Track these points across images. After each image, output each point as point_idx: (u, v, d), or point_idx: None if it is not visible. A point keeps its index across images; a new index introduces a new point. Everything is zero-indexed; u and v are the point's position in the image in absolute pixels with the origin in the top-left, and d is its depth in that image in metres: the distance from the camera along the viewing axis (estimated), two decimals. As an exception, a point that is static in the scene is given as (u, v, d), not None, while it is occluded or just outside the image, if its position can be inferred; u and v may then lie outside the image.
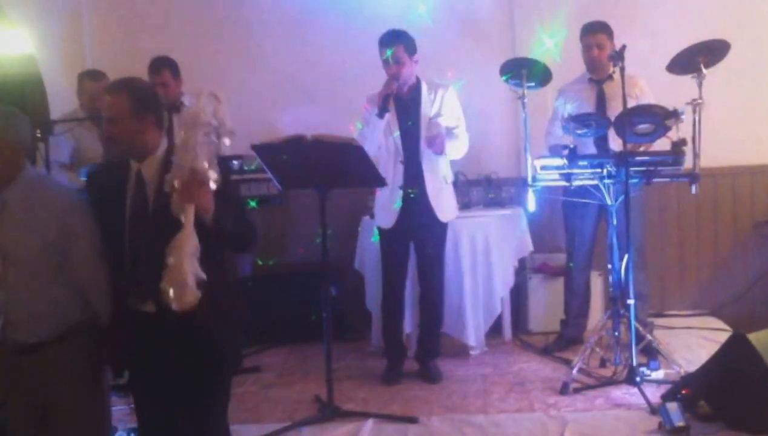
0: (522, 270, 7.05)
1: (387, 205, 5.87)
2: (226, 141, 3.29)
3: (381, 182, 5.50)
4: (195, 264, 3.16)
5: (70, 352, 3.57)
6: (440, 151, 5.78)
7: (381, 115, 5.71)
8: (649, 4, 7.14)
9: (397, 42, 5.73)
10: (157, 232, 3.34)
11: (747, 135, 7.12)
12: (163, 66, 6.23)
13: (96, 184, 3.74)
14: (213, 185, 3.22)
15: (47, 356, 3.54)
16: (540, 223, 7.01)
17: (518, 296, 7.10)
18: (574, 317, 6.56)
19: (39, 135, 4.99)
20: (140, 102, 3.50)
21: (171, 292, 3.16)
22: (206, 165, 3.18)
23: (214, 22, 7.54)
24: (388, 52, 5.70)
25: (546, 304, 7.00)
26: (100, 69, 6.40)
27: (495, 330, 6.81)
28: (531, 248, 6.94)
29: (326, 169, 5.10)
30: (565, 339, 6.54)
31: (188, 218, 3.17)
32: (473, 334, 6.48)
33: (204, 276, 3.18)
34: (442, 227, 5.97)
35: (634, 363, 5.29)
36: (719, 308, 7.24)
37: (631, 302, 5.40)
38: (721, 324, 6.90)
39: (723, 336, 5.99)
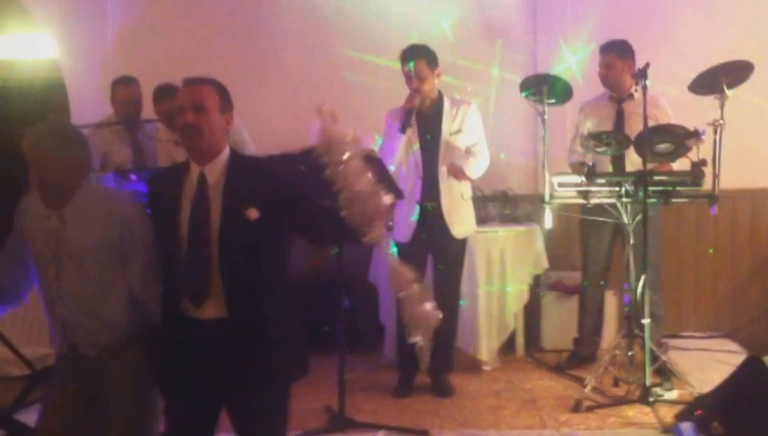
0: (536, 287, 7.03)
1: (404, 219, 5.86)
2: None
3: (398, 194, 5.50)
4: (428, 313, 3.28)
5: (124, 362, 3.56)
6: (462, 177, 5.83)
7: (403, 130, 5.71)
8: (674, 23, 7.14)
9: (418, 56, 5.74)
10: (222, 235, 3.34)
11: (765, 157, 7.11)
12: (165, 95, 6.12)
13: (154, 188, 3.66)
14: (389, 200, 3.22)
15: (104, 366, 3.55)
16: (556, 240, 7.01)
17: (532, 312, 7.07)
18: (587, 335, 6.55)
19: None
20: (226, 98, 3.49)
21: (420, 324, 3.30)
22: (370, 183, 3.20)
23: (238, 29, 7.59)
24: (410, 66, 5.71)
25: (560, 321, 6.99)
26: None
27: (508, 346, 6.81)
28: (546, 264, 6.93)
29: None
30: (578, 357, 6.53)
31: (381, 245, 3.26)
32: (486, 349, 6.49)
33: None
34: (460, 243, 5.96)
35: (648, 383, 5.28)
36: (734, 330, 7.21)
37: (646, 321, 5.38)
38: (735, 347, 6.87)
39: (737, 359, 5.96)
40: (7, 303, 3.76)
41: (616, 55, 6.10)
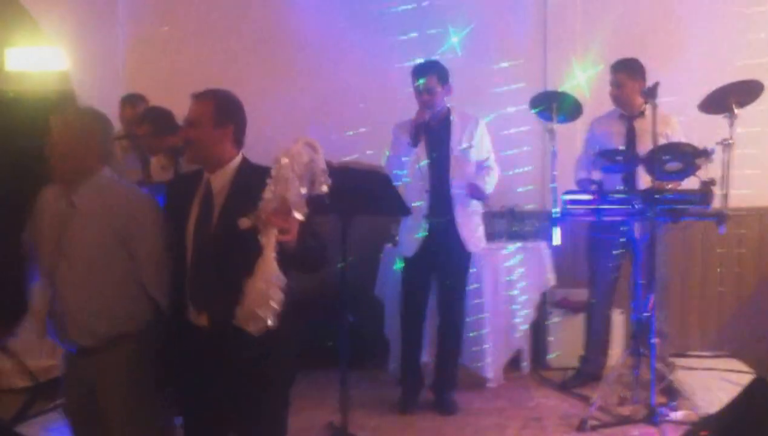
0: (543, 304, 7.01)
1: (411, 234, 5.86)
2: (324, 188, 3.28)
3: (406, 211, 5.51)
4: (278, 293, 3.15)
5: (125, 355, 3.61)
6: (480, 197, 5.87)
7: (414, 144, 5.72)
8: (684, 42, 7.12)
9: (429, 72, 5.75)
10: (218, 244, 3.41)
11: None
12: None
13: (171, 193, 3.79)
14: (299, 217, 3.21)
15: (103, 358, 3.59)
16: (562, 257, 6.96)
17: (538, 329, 7.05)
18: (593, 354, 6.53)
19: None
20: (223, 112, 3.56)
21: (247, 315, 3.15)
22: (295, 199, 3.17)
23: (248, 39, 7.62)
24: (420, 81, 5.73)
25: (566, 339, 6.96)
26: (137, 90, 6.42)
27: (513, 363, 6.80)
28: (553, 282, 6.90)
29: (351, 195, 5.04)
30: (584, 375, 6.50)
31: (269, 244, 3.15)
32: (491, 366, 6.48)
33: (278, 308, 3.16)
34: (467, 257, 5.96)
35: (654, 403, 5.26)
36: (741, 349, 7.16)
37: (653, 340, 5.36)
38: (742, 366, 6.84)
39: (744, 378, 6.01)
40: None
41: (627, 74, 6.10)
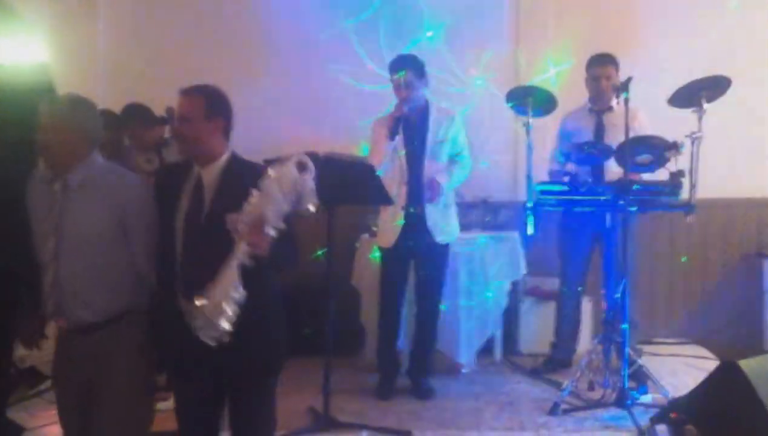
0: (514, 292, 7.15)
1: (388, 224, 5.98)
2: (311, 207, 3.38)
3: (389, 201, 5.63)
4: (232, 305, 3.30)
5: (120, 334, 3.70)
6: (433, 200, 5.92)
7: (392, 137, 5.82)
8: (653, 37, 7.28)
9: (407, 66, 5.87)
10: (209, 236, 3.50)
11: (739, 169, 7.29)
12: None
13: (159, 180, 3.95)
14: (272, 233, 3.32)
15: (99, 336, 3.68)
16: (533, 247, 7.07)
17: (510, 317, 7.19)
18: (564, 340, 6.70)
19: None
20: (214, 106, 3.66)
21: (201, 323, 3.31)
22: (273, 216, 3.29)
23: (227, 31, 7.67)
24: (399, 75, 5.84)
25: (537, 326, 7.13)
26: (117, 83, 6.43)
27: (486, 350, 6.93)
28: (524, 270, 7.04)
29: (335, 185, 5.14)
30: (555, 361, 6.67)
31: (236, 255, 3.30)
32: (465, 353, 6.61)
33: (232, 320, 3.32)
34: (443, 248, 6.08)
35: (626, 386, 5.42)
36: (705, 337, 7.38)
37: (624, 326, 5.52)
38: (706, 353, 7.05)
39: (708, 364, 6.21)
40: None
41: (615, 68, 6.28)
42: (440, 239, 6.01)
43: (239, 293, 3.32)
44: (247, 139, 4.04)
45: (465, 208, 7.01)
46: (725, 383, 4.80)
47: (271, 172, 3.32)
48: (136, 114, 6.09)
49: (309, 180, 3.36)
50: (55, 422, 4.23)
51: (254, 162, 3.79)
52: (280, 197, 3.29)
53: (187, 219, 3.62)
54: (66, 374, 3.80)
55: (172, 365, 3.80)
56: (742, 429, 4.63)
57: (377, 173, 5.41)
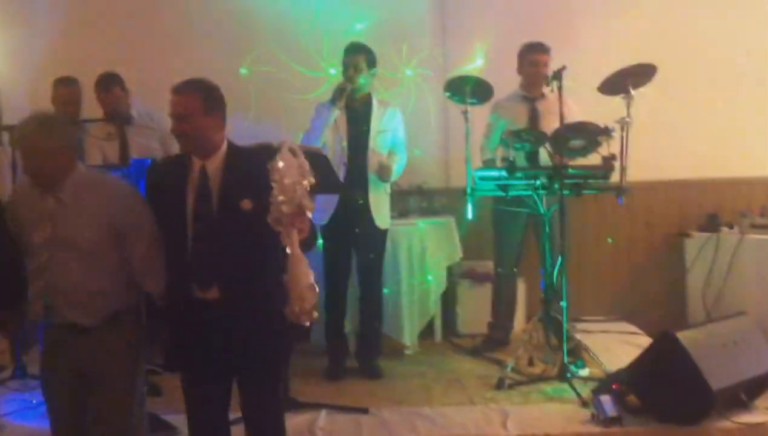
0: (451, 275, 7.38)
1: (324, 203, 6.06)
2: (305, 183, 3.49)
3: (339, 189, 5.80)
4: (315, 287, 3.48)
5: (112, 332, 3.79)
6: (385, 179, 6.15)
7: (333, 102, 6.02)
8: (579, 26, 7.52)
9: (360, 52, 6.11)
10: (222, 225, 3.63)
11: (661, 151, 7.50)
12: (113, 83, 6.27)
13: (155, 178, 4.00)
14: (310, 215, 3.50)
15: (95, 337, 3.76)
16: (468, 231, 7.30)
17: (448, 299, 7.42)
18: (501, 320, 6.95)
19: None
20: (212, 101, 3.71)
21: (300, 310, 3.47)
22: (306, 199, 3.45)
23: (158, 25, 7.73)
24: (349, 57, 6.09)
25: (474, 307, 7.35)
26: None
27: (426, 331, 7.14)
28: (461, 254, 7.30)
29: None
30: (493, 341, 6.91)
31: (293, 243, 3.45)
32: (408, 334, 6.80)
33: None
34: (382, 233, 6.28)
35: (566, 360, 5.70)
36: (631, 314, 7.70)
37: (563, 303, 5.80)
38: (634, 328, 7.38)
39: (639, 339, 6.52)
40: None
41: (550, 56, 6.52)
42: (380, 223, 6.21)
43: (312, 273, 3.49)
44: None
45: (403, 194, 7.27)
46: (664, 353, 5.10)
47: (280, 162, 3.46)
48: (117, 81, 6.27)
49: (303, 161, 3.52)
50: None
51: (249, 146, 3.96)
52: (299, 181, 3.46)
53: (197, 211, 3.68)
54: (56, 374, 3.85)
55: (182, 357, 3.84)
56: (681, 393, 4.95)
57: (331, 163, 5.57)
